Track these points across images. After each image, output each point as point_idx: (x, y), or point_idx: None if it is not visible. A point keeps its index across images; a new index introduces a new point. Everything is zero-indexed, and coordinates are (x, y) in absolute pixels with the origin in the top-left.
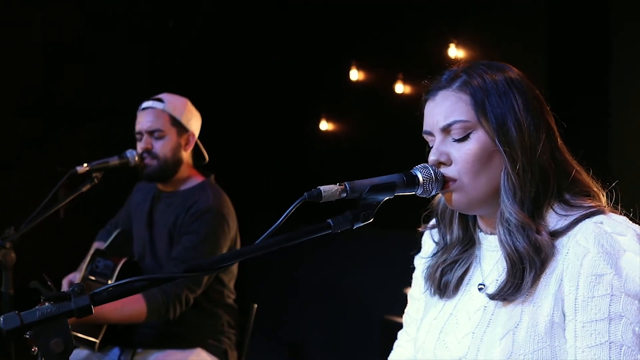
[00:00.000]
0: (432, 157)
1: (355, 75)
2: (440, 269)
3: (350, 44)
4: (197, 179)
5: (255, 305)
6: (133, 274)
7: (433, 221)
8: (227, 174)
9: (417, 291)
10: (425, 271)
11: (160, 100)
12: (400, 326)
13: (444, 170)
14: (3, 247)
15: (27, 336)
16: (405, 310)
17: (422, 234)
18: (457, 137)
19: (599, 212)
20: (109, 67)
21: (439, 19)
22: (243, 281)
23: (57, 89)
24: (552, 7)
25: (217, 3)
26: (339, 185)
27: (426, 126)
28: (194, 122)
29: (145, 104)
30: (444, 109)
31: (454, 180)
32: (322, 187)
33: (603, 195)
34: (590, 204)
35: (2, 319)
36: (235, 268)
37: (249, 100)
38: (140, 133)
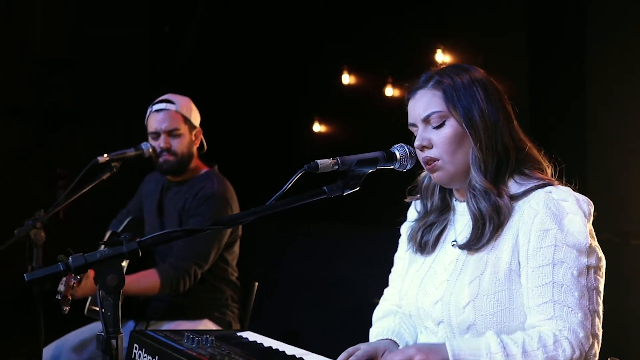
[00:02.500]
0: (417, 143)
1: (346, 79)
2: (421, 231)
3: (342, 50)
4: (203, 169)
5: (257, 283)
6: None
7: (417, 195)
8: (223, 173)
9: (403, 252)
10: (409, 233)
11: (170, 101)
12: None
13: (427, 153)
14: (34, 227)
15: (58, 297)
16: (392, 270)
17: (408, 205)
18: (435, 125)
19: (549, 184)
20: (106, 71)
21: (427, 26)
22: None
23: (55, 93)
24: (533, 14)
25: (211, 9)
26: (332, 159)
27: (410, 119)
28: (198, 119)
29: (158, 106)
30: (423, 104)
31: (437, 159)
32: (318, 160)
33: (549, 168)
34: (542, 177)
35: (70, 258)
36: (237, 248)
37: (243, 102)
38: (157, 133)
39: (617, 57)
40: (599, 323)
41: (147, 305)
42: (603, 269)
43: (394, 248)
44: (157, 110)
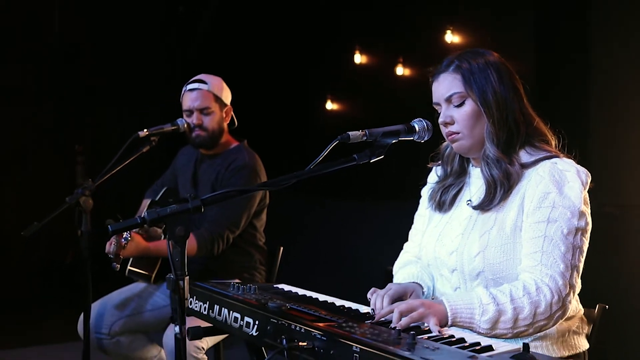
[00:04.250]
0: (441, 120)
1: (358, 58)
2: (440, 191)
3: (354, 30)
4: (234, 143)
5: (282, 248)
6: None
7: (438, 162)
8: None
9: (423, 210)
10: (429, 193)
11: (203, 81)
12: None
13: (450, 128)
14: (83, 195)
15: (111, 256)
16: (412, 227)
17: (430, 170)
18: (456, 104)
19: (556, 156)
20: (123, 53)
21: (437, 6)
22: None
23: (74, 75)
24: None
25: None
26: (361, 131)
27: (435, 99)
28: (229, 97)
29: (191, 86)
30: (445, 86)
31: (458, 133)
32: (349, 132)
33: (554, 139)
34: (550, 150)
35: (145, 213)
36: (264, 216)
37: (258, 82)
38: (190, 110)
39: (622, 36)
40: (577, 277)
41: None
42: (589, 233)
43: (405, 221)
44: (191, 90)
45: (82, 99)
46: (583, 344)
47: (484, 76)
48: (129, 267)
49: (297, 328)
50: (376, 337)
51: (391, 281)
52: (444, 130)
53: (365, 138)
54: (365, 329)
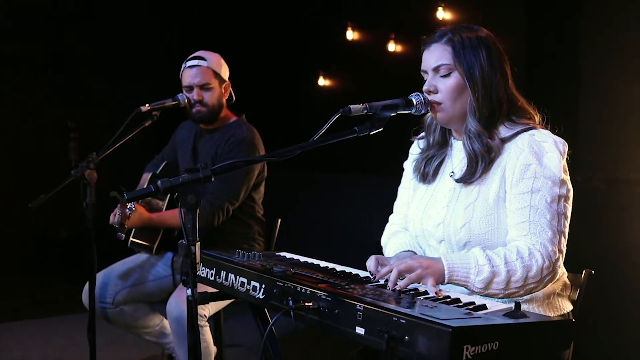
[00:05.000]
0: (425, 87)
1: (351, 35)
2: (424, 162)
3: (347, 7)
4: (232, 118)
5: (279, 220)
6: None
7: (420, 135)
8: None
9: (407, 182)
10: (414, 164)
11: (202, 58)
12: None
13: (432, 97)
14: (88, 168)
15: (116, 226)
16: (397, 198)
17: (411, 143)
18: (442, 74)
19: (533, 127)
20: (117, 27)
21: None
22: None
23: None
24: None
25: None
26: (362, 104)
27: (423, 66)
28: (227, 73)
29: (191, 62)
30: (435, 56)
31: (440, 103)
32: (351, 106)
33: (537, 116)
34: (527, 123)
35: (159, 182)
36: (262, 188)
37: (252, 58)
38: (190, 87)
39: (612, 8)
40: (564, 241)
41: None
42: (571, 199)
43: (393, 194)
44: (191, 66)
45: (74, 74)
46: (567, 306)
47: (474, 53)
48: (131, 239)
49: (303, 290)
50: (378, 297)
51: (381, 253)
52: (427, 99)
53: (365, 111)
54: (367, 290)
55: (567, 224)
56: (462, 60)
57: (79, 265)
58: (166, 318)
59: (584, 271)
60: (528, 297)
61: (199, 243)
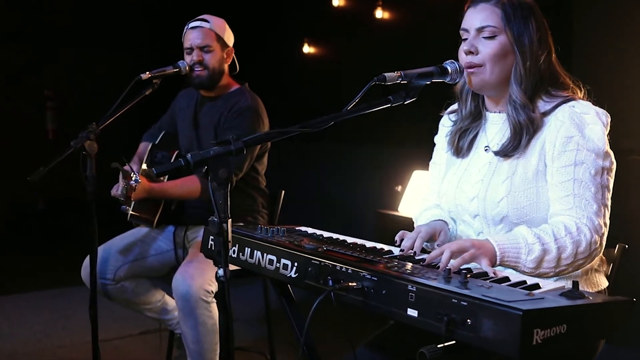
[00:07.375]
0: (465, 47)
1: (337, 1)
2: (457, 135)
3: None
4: (235, 85)
5: (283, 191)
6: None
7: (451, 108)
8: None
9: (438, 158)
10: (448, 137)
11: (205, 20)
12: (388, 217)
13: (472, 58)
14: (88, 139)
15: (121, 199)
16: (429, 174)
17: (440, 117)
18: (486, 36)
19: (572, 99)
20: None
21: None
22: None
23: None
24: None
25: None
26: (397, 72)
27: (465, 25)
28: (232, 39)
29: (193, 24)
30: (482, 16)
31: (480, 66)
32: (385, 74)
33: (580, 91)
34: (566, 94)
35: (190, 155)
36: (265, 159)
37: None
38: (191, 48)
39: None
40: (607, 214)
41: (185, 212)
42: (614, 172)
43: (395, 166)
44: (193, 28)
45: (50, 42)
46: (603, 282)
47: (524, 21)
48: (130, 212)
49: (343, 269)
50: (429, 277)
51: (382, 223)
52: (465, 59)
53: (400, 80)
54: (413, 269)
55: (610, 196)
56: (512, 25)
57: (61, 237)
58: (167, 294)
59: (617, 245)
60: (566, 275)
61: (230, 220)
